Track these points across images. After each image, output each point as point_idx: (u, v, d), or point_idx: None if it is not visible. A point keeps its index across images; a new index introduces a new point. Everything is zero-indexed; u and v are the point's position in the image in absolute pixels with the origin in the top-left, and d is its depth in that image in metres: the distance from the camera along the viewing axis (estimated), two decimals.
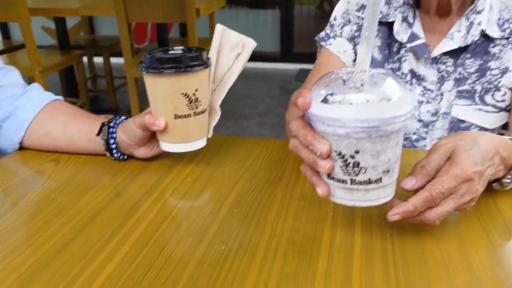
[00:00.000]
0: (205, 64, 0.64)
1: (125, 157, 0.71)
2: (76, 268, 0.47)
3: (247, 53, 0.69)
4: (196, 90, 0.64)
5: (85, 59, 2.99)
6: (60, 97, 0.79)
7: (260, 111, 3.07)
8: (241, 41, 0.69)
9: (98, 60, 3.33)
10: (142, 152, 0.70)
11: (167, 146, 0.67)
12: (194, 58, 0.63)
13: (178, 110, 0.64)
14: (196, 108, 0.65)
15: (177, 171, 0.68)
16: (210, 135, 0.70)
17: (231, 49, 0.69)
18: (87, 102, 2.88)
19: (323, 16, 4.18)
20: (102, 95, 3.33)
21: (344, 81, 0.45)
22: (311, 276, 0.45)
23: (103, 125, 0.70)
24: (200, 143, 0.68)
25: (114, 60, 3.10)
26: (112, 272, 0.46)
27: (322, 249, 0.49)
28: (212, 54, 0.68)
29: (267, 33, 4.18)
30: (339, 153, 0.44)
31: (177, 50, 0.67)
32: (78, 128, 0.72)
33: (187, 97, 0.64)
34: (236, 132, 2.76)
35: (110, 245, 0.50)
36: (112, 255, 0.48)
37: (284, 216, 0.55)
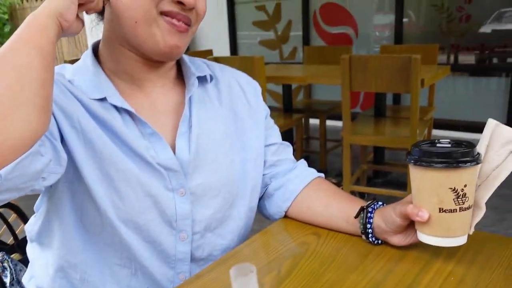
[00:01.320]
0: (476, 160, 0.63)
1: (379, 241, 0.73)
2: None
3: None
4: (465, 186, 0.63)
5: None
6: (322, 174, 0.87)
7: None
8: None
9: (312, 122, 3.57)
10: (396, 239, 0.71)
11: (426, 238, 0.67)
12: (465, 154, 0.62)
13: (444, 204, 0.63)
14: (463, 204, 0.64)
15: (437, 267, 0.66)
16: (471, 232, 0.67)
17: (503, 145, 0.66)
18: None
19: None
20: (313, 156, 3.53)
21: None
22: None
23: (362, 208, 0.74)
24: (462, 240, 0.66)
25: (327, 123, 3.27)
26: None
27: None
28: (481, 149, 0.66)
29: (490, 102, 3.84)
30: None
31: (445, 143, 0.67)
32: (338, 208, 0.78)
33: (455, 192, 0.63)
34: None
35: None
36: None
37: None
